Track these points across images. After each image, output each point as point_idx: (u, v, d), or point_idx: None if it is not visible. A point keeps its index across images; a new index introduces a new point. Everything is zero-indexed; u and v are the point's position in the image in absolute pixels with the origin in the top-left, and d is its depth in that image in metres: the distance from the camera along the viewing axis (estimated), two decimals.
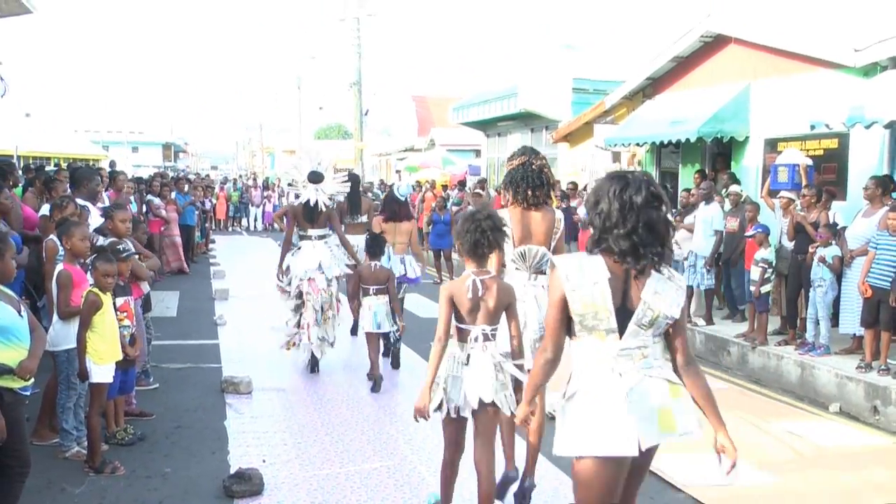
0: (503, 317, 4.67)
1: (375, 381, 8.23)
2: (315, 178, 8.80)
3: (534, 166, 5.28)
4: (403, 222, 9.65)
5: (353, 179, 10.04)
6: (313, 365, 8.97)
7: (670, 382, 3.47)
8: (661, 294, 3.43)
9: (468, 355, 4.60)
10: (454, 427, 4.77)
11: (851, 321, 9.01)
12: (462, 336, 4.62)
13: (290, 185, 9.29)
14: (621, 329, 3.42)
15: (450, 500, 4.92)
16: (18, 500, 4.56)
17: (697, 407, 3.49)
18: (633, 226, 3.36)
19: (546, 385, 3.82)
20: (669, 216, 3.51)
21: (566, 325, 3.50)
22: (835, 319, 9.45)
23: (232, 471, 5.76)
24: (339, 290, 9.24)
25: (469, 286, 4.53)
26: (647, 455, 3.50)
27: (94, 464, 5.85)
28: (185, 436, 6.78)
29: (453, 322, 4.60)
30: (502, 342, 4.70)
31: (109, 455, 6.09)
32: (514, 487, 5.34)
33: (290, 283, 8.88)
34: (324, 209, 8.84)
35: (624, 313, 3.43)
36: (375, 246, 8.52)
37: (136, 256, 7.12)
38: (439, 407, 4.65)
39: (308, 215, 8.84)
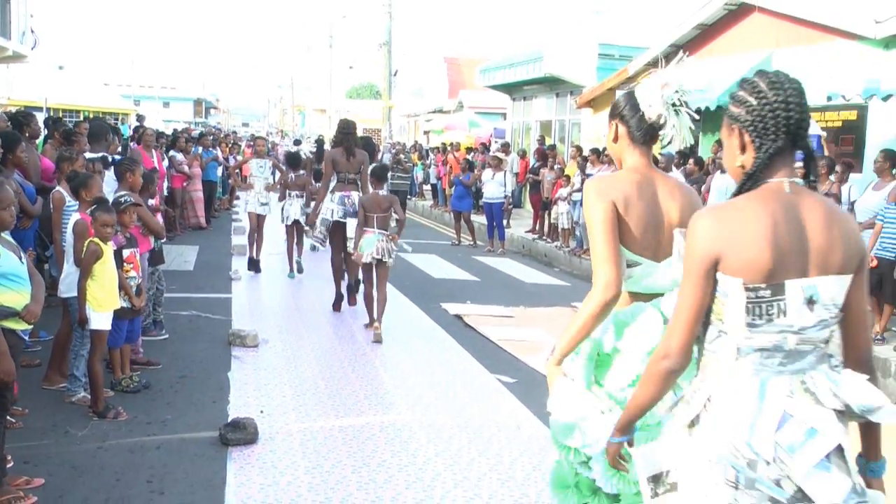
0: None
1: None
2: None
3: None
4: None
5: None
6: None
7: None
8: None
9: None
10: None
11: None
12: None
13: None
14: None
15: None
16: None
17: None
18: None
19: None
20: None
21: None
22: None
23: (229, 419, 5.94)
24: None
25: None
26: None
27: (98, 409, 6.03)
28: (189, 385, 6.96)
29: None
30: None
31: (114, 401, 6.27)
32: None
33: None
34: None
35: None
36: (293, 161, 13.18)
37: (152, 210, 7.26)
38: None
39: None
